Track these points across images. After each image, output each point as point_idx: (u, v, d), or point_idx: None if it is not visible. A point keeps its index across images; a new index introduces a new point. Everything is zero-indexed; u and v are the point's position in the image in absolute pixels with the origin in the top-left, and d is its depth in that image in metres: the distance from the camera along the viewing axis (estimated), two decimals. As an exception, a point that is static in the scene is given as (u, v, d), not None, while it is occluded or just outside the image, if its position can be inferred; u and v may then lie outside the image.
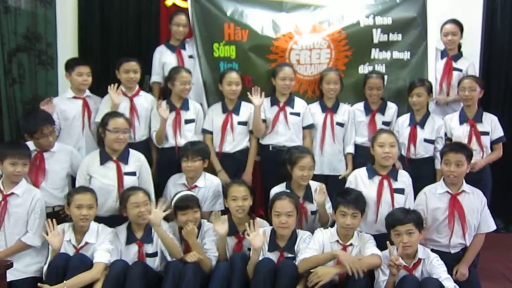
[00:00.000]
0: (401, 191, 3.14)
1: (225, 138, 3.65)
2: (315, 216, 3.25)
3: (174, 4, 4.02)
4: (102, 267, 2.84)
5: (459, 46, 3.89)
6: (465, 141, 3.44)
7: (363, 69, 3.84)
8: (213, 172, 3.58)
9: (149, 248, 3.00)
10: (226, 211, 3.21)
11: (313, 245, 2.90)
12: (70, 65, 3.57)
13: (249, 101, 3.68)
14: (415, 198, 3.18)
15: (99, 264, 2.85)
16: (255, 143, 3.71)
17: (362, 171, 3.23)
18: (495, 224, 3.12)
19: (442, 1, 3.80)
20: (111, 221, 3.10)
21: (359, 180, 3.18)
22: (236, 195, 3.07)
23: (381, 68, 3.84)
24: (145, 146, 3.63)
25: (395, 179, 3.15)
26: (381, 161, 3.14)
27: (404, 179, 3.19)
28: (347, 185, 3.20)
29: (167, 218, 3.07)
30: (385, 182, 3.14)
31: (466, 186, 3.08)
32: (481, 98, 3.57)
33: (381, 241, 2.90)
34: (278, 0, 3.83)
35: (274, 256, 2.94)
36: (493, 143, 3.54)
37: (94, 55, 4.26)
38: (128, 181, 3.19)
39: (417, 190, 3.19)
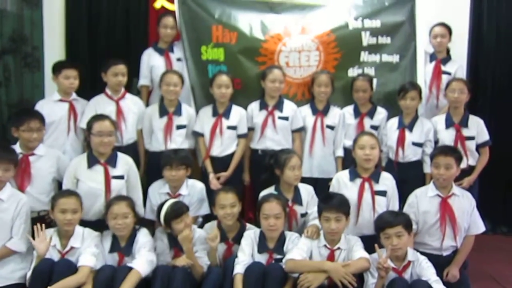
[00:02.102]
0: (383, 193, 3.17)
1: (213, 142, 3.66)
2: (305, 218, 3.27)
3: (162, 7, 4.06)
4: (87, 270, 2.83)
5: (448, 50, 3.95)
6: (451, 145, 3.44)
7: (353, 71, 3.89)
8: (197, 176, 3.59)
9: (128, 260, 2.96)
10: (212, 215, 3.23)
11: (301, 246, 2.92)
12: (57, 68, 3.57)
13: (239, 104, 3.71)
14: (404, 201, 3.22)
15: (84, 268, 2.84)
16: (242, 146, 3.71)
17: (344, 174, 3.27)
18: (484, 226, 3.17)
19: (430, 5, 3.86)
20: (98, 225, 3.08)
21: (341, 182, 3.22)
22: (224, 203, 3.07)
23: (370, 71, 3.89)
24: (133, 150, 3.63)
25: (377, 182, 3.18)
26: (362, 163, 3.17)
27: (386, 181, 3.21)
28: (330, 188, 3.24)
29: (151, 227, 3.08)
30: (366, 185, 3.17)
31: (456, 189, 3.13)
32: (468, 101, 3.61)
33: (364, 243, 2.93)
34: (267, 0, 3.87)
35: (263, 258, 2.97)
36: (479, 146, 3.58)
37: (81, 57, 4.25)
38: (116, 185, 3.19)
39: (405, 193, 3.24)
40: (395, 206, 3.19)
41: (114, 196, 3.11)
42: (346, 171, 3.28)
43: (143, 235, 3.03)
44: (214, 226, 3.16)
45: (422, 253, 2.94)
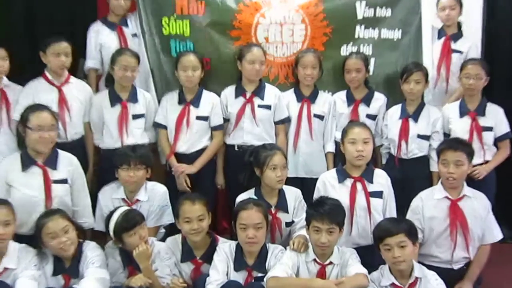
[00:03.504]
0: (378, 194, 3.16)
1: (179, 136, 3.63)
2: (291, 228, 3.25)
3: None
4: (27, 299, 2.76)
5: (459, 25, 3.94)
6: (465, 137, 3.48)
7: (346, 50, 3.88)
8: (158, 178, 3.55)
9: (76, 282, 2.90)
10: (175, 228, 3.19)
11: (286, 261, 2.89)
12: (-21, 47, 3.49)
13: (211, 89, 3.68)
14: (408, 205, 3.21)
15: (23, 295, 2.76)
16: (217, 141, 3.69)
17: (331, 174, 3.26)
18: (501, 233, 3.17)
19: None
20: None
21: (328, 185, 3.21)
22: (189, 216, 3.03)
23: (367, 49, 3.88)
24: (79, 147, 3.58)
25: (371, 181, 3.17)
26: (353, 161, 3.16)
27: (381, 179, 3.21)
28: (315, 193, 3.24)
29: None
30: (359, 185, 3.16)
31: (467, 190, 3.13)
32: (485, 86, 3.61)
33: (360, 255, 2.92)
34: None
35: (241, 277, 2.93)
36: (498, 140, 3.59)
37: (14, 33, 4.14)
38: (58, 191, 3.14)
39: (409, 196, 3.25)
40: (391, 209, 3.20)
41: (43, 212, 3.02)
42: (333, 171, 3.28)
43: (90, 248, 2.99)
44: (178, 241, 3.11)
45: (429, 267, 2.93)
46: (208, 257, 3.03)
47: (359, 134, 3.16)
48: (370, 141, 3.18)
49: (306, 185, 3.57)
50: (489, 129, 3.55)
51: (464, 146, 3.09)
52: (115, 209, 3.07)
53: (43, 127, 3.07)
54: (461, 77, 3.60)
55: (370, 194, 3.15)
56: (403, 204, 3.27)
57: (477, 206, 3.10)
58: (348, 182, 3.17)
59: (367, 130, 3.24)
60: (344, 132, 3.23)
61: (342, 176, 3.19)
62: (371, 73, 3.83)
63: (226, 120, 3.72)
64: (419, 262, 2.93)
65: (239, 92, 3.69)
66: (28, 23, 4.22)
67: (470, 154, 3.08)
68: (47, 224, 2.89)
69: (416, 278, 2.81)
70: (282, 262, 2.87)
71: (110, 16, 3.87)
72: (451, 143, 3.14)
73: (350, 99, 3.75)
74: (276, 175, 3.17)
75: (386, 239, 2.77)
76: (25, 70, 3.78)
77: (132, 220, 2.96)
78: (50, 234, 2.87)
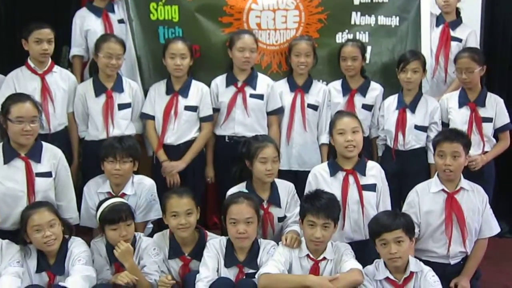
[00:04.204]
0: (371, 187, 3.18)
1: (167, 127, 3.63)
2: (283, 223, 3.27)
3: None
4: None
5: (458, 12, 3.96)
6: (464, 128, 3.51)
7: (342, 37, 3.89)
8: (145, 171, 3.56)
9: (61, 280, 2.90)
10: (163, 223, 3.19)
11: (278, 257, 2.92)
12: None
13: (200, 78, 3.68)
14: (404, 197, 3.24)
15: (6, 293, 2.76)
16: (206, 132, 3.70)
17: (322, 167, 3.27)
18: (499, 227, 3.21)
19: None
20: (20, 236, 2.98)
21: (320, 178, 3.21)
22: (176, 211, 3.02)
23: (363, 36, 3.89)
24: (63, 138, 3.58)
25: (363, 174, 3.19)
26: (343, 152, 3.17)
27: (374, 172, 3.22)
28: (306, 187, 3.22)
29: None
30: (351, 178, 3.18)
31: (464, 182, 3.14)
32: (484, 75, 3.63)
33: (354, 250, 2.95)
34: None
35: (232, 273, 2.94)
36: (498, 131, 3.63)
37: None
38: (41, 184, 3.11)
39: (406, 189, 3.27)
40: (386, 202, 3.21)
41: (30, 204, 3.02)
42: (325, 165, 3.29)
43: (76, 245, 2.99)
44: (166, 237, 3.11)
45: (426, 262, 2.95)
46: (196, 254, 3.04)
47: (347, 124, 3.17)
48: (359, 130, 3.19)
49: (300, 178, 3.57)
50: (489, 120, 3.58)
51: (461, 137, 3.10)
52: (107, 198, 3.11)
53: (24, 118, 3.03)
54: (455, 69, 3.63)
55: (362, 187, 3.16)
56: (400, 197, 3.31)
57: (474, 199, 3.11)
58: (340, 175, 3.18)
59: (356, 119, 3.24)
60: (332, 123, 3.25)
61: (334, 169, 3.20)
62: (367, 61, 3.84)
63: (216, 110, 3.70)
64: (416, 257, 2.94)
65: (230, 81, 3.69)
66: (7, 9, 4.19)
67: (467, 145, 3.11)
68: (32, 216, 2.89)
69: (412, 272, 2.83)
70: (274, 258, 2.89)
71: (96, 1, 3.86)
72: (447, 135, 3.15)
73: (346, 89, 3.77)
74: (266, 169, 3.17)
75: (383, 234, 2.79)
76: (5, 59, 3.80)
77: (116, 214, 2.97)
78: (35, 226, 2.87)
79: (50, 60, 3.60)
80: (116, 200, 3.11)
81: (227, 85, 3.70)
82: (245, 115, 3.66)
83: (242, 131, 3.64)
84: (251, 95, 3.67)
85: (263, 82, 3.73)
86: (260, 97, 3.68)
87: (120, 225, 2.97)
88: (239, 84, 3.68)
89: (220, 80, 3.72)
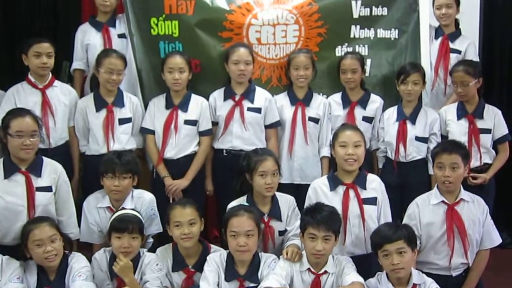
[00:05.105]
0: (372, 201, 3.17)
1: (167, 141, 3.64)
2: (284, 237, 3.27)
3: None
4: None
5: (457, 23, 3.99)
6: (463, 140, 3.51)
7: (341, 50, 3.92)
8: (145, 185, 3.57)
9: None
10: (166, 235, 3.19)
11: (279, 270, 2.91)
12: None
13: (200, 92, 3.70)
14: (405, 209, 3.24)
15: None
16: (205, 146, 3.71)
17: (322, 181, 3.26)
18: (500, 238, 3.21)
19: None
20: (20, 251, 2.99)
21: (320, 192, 3.21)
22: (180, 220, 3.03)
23: (363, 49, 3.92)
24: (63, 153, 3.59)
25: (364, 187, 3.18)
26: (344, 166, 3.16)
27: (374, 185, 3.22)
28: (306, 201, 3.21)
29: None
30: (351, 193, 3.17)
31: (464, 194, 3.14)
32: (482, 86, 3.65)
33: (356, 265, 2.95)
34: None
35: (232, 287, 2.93)
36: (497, 142, 3.64)
37: None
38: (42, 199, 3.11)
39: (408, 201, 3.26)
40: (387, 215, 3.20)
41: (31, 219, 3.02)
42: (324, 178, 3.29)
43: (76, 260, 2.99)
44: (169, 250, 3.11)
45: (427, 275, 2.95)
46: (200, 266, 3.02)
47: (350, 137, 3.16)
48: (362, 144, 3.18)
49: (301, 191, 3.53)
50: (488, 131, 3.60)
51: (459, 149, 3.11)
52: (116, 211, 3.14)
53: (24, 133, 3.04)
54: (451, 82, 3.66)
55: (363, 201, 3.14)
56: (401, 209, 3.31)
57: (475, 210, 3.11)
58: (340, 189, 3.16)
59: (359, 133, 3.23)
60: (335, 135, 3.24)
61: (334, 183, 3.19)
62: (367, 74, 3.86)
63: (215, 123, 3.71)
64: (417, 269, 2.94)
65: (228, 94, 3.70)
66: (7, 24, 4.24)
67: (466, 156, 3.11)
68: (33, 230, 2.89)
69: (415, 284, 2.83)
70: (275, 272, 2.88)
71: (99, 16, 3.90)
72: (445, 146, 3.16)
73: (346, 101, 3.79)
74: (265, 182, 3.16)
75: (385, 246, 2.79)
76: (6, 76, 3.82)
77: (124, 223, 2.97)
78: (36, 241, 2.87)
79: (50, 75, 3.62)
80: (130, 212, 3.11)
81: (225, 98, 3.71)
82: (242, 129, 3.67)
83: (240, 144, 3.65)
84: (249, 109, 3.69)
85: (261, 95, 3.74)
86: (258, 110, 3.70)
87: (125, 235, 2.96)
88: (237, 98, 3.69)
89: (218, 94, 3.74)
